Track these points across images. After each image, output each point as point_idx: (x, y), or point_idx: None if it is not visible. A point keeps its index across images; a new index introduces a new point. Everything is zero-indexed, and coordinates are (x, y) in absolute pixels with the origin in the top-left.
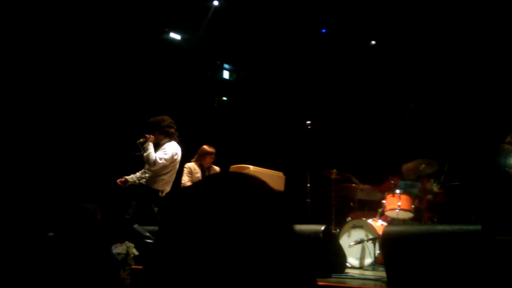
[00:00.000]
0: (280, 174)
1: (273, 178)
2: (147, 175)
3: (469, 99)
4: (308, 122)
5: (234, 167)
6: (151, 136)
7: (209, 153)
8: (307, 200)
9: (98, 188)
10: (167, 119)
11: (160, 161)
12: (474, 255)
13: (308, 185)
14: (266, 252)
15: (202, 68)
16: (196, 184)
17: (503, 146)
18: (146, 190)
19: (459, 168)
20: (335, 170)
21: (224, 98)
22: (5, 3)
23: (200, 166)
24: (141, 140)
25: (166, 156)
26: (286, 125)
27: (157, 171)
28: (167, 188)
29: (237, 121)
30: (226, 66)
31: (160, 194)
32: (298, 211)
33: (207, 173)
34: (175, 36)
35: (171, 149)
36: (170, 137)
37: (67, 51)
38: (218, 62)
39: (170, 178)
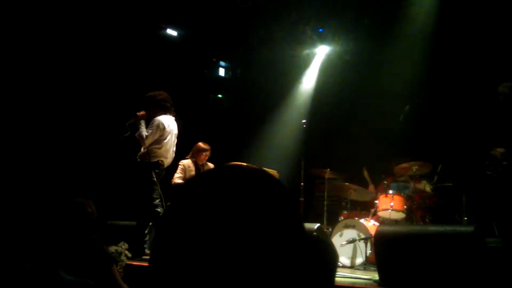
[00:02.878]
0: (274, 172)
1: None
2: (141, 151)
3: (464, 101)
4: (304, 121)
5: (239, 164)
6: (142, 113)
7: (203, 149)
8: (300, 198)
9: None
10: (163, 94)
11: (147, 137)
12: (466, 256)
13: (302, 183)
14: (277, 249)
15: (198, 65)
16: (200, 176)
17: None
18: (146, 165)
19: (452, 169)
20: (328, 169)
21: (220, 96)
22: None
23: (195, 164)
24: (131, 121)
25: (151, 131)
26: (281, 123)
27: (149, 144)
28: (167, 158)
29: (232, 119)
30: (222, 63)
31: (160, 163)
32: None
33: (201, 171)
34: (171, 32)
35: (157, 122)
36: (166, 112)
37: (62, 46)
38: (214, 60)
39: (164, 148)
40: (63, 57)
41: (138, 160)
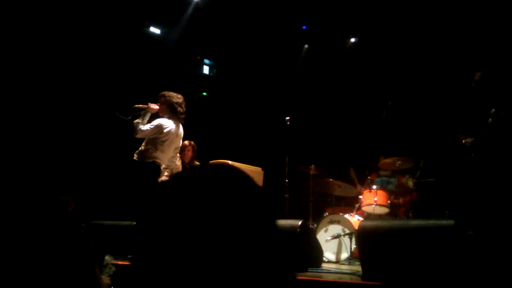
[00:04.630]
0: (259, 169)
1: (252, 173)
2: (140, 148)
3: (447, 96)
4: (287, 118)
5: (212, 163)
6: (154, 106)
7: (184, 146)
8: (285, 195)
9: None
10: (181, 98)
11: (141, 131)
12: (447, 248)
13: (287, 180)
14: (248, 248)
15: (182, 63)
16: (175, 177)
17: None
18: (141, 165)
19: (435, 164)
20: (313, 166)
21: (204, 94)
22: None
23: (182, 162)
24: (139, 106)
25: (149, 127)
26: (265, 120)
27: (146, 143)
28: (163, 160)
29: (217, 117)
30: (206, 61)
31: (156, 165)
32: (276, 206)
33: None
34: (155, 30)
35: (159, 123)
36: (174, 115)
37: (45, 43)
38: (198, 57)
39: (161, 151)
40: (44, 49)
41: (135, 158)
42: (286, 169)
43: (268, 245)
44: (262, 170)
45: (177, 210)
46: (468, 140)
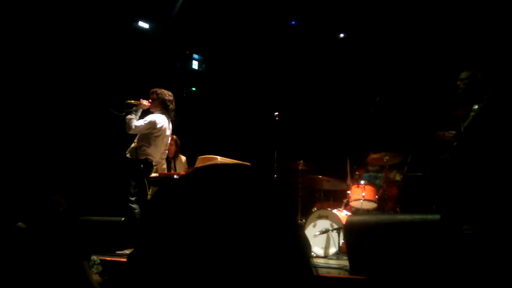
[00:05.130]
0: (247, 164)
1: None
2: (132, 145)
3: (432, 92)
4: (276, 113)
5: (201, 158)
6: (146, 103)
7: None
8: None
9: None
10: (171, 95)
11: (135, 127)
12: (433, 243)
13: (275, 175)
14: (271, 247)
15: (171, 58)
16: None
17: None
18: (133, 162)
19: (422, 159)
20: (301, 161)
21: (193, 89)
22: None
23: (166, 158)
24: (131, 102)
25: (142, 123)
26: (254, 116)
27: (138, 140)
28: (156, 158)
29: (206, 112)
30: (195, 56)
31: (148, 161)
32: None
33: (172, 164)
34: (144, 25)
35: (152, 118)
36: (166, 112)
37: (35, 39)
38: (188, 52)
39: (154, 147)
40: (33, 46)
41: (127, 155)
42: (275, 164)
43: (294, 241)
44: (251, 165)
45: (194, 207)
46: (452, 132)
